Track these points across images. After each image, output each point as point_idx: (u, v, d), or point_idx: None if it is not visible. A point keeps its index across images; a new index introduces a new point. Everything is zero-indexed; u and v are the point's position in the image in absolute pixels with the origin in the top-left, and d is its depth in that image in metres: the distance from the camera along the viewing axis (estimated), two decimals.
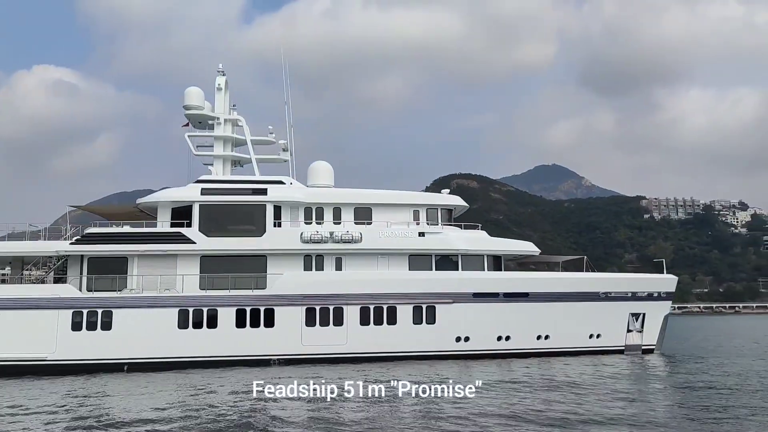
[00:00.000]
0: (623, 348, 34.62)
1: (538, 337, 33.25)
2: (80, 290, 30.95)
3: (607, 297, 34.21)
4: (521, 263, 38.40)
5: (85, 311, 30.27)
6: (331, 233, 32.74)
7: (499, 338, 32.75)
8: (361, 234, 32.92)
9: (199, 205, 32.76)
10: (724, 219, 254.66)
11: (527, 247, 35.77)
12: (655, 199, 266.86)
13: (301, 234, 32.68)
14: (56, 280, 32.53)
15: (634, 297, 34.83)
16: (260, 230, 32.78)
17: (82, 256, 31.89)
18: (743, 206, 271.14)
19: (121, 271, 31.96)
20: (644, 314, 34.97)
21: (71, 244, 31.64)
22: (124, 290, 31.45)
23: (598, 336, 34.16)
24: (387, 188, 36.67)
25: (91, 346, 30.00)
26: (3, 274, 35.41)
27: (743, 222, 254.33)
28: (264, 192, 33.37)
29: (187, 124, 36.59)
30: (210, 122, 36.58)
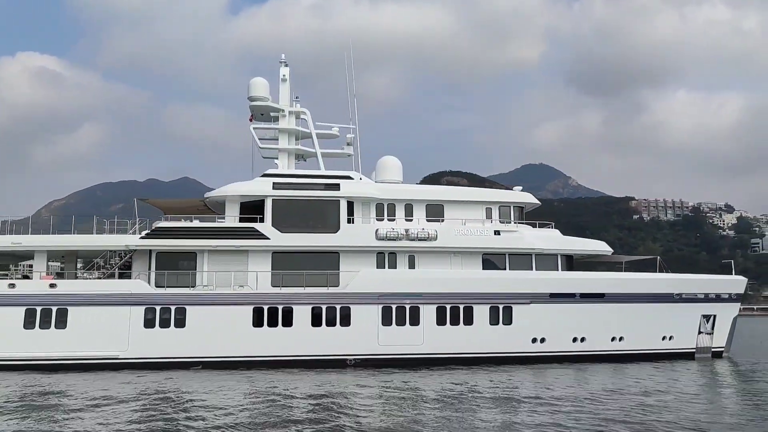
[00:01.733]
0: (694, 350, 34.29)
1: (613, 339, 32.76)
2: (150, 286, 29.86)
3: (680, 298, 33.83)
4: (582, 262, 37.82)
5: (158, 308, 29.20)
6: (407, 230, 31.93)
7: (575, 339, 32.21)
8: (436, 232, 32.15)
9: (272, 199, 31.74)
10: (711, 221, 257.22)
11: (600, 247, 35.27)
12: (644, 200, 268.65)
13: (376, 231, 31.81)
14: (119, 276, 31.32)
15: (706, 298, 34.50)
16: (334, 226, 31.82)
17: (150, 250, 30.76)
18: (729, 209, 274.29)
19: (189, 267, 30.91)
20: (715, 316, 34.66)
21: (141, 238, 30.49)
22: (198, 287, 30.36)
23: (670, 338, 33.75)
24: None
25: (164, 344, 28.94)
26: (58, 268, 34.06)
27: (730, 224, 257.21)
28: (337, 187, 32.41)
29: (252, 118, 35.51)
30: (273, 114, 35.54)
